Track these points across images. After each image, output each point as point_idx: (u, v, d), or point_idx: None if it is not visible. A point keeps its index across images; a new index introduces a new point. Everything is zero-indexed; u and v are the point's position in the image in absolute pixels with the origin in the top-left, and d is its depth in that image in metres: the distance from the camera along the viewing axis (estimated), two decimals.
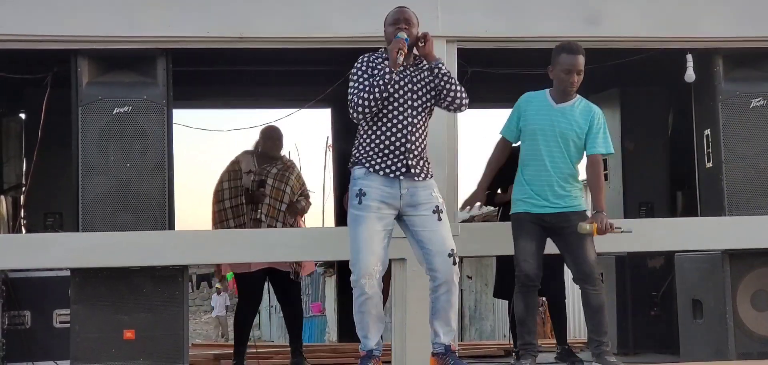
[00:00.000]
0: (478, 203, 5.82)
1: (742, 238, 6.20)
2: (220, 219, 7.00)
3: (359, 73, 5.10)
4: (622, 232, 5.50)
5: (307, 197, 7.37)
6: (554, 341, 7.46)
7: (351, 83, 5.10)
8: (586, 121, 5.46)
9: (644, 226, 6.66)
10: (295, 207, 7.18)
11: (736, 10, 6.33)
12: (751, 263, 6.31)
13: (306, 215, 7.44)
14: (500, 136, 5.64)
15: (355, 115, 5.03)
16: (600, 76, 6.73)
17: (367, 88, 4.99)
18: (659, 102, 7.99)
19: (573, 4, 6.23)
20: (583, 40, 6.02)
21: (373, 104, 4.98)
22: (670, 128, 8.04)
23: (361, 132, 5.13)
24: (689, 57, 6.35)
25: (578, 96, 5.54)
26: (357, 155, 5.13)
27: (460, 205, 5.81)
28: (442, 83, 5.11)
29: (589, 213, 5.52)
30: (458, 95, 5.13)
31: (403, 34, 5.07)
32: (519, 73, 6.83)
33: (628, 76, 7.39)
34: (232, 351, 7.32)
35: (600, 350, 5.39)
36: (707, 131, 6.45)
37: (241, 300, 7.26)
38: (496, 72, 6.88)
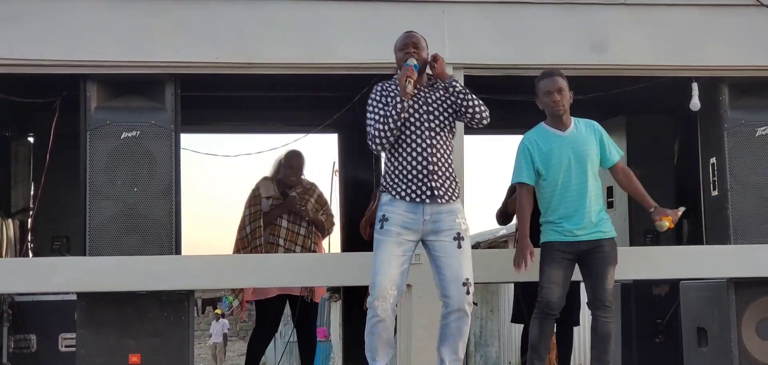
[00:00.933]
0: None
1: (747, 266, 6.20)
2: (243, 245, 7.00)
3: (374, 103, 5.16)
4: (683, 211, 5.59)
5: (328, 214, 7.34)
6: None
7: (368, 115, 5.16)
8: (595, 135, 5.52)
9: (650, 254, 6.68)
10: (319, 221, 7.17)
11: (741, 38, 6.34)
12: (757, 292, 6.30)
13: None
14: (519, 184, 5.55)
15: (373, 147, 5.09)
16: (606, 103, 6.76)
17: (381, 120, 5.04)
18: (665, 129, 8.02)
19: (579, 32, 6.26)
20: (589, 68, 6.09)
21: (389, 134, 5.02)
22: (676, 156, 8.06)
23: (386, 158, 5.18)
24: (694, 85, 6.36)
25: (572, 118, 5.56)
26: (384, 182, 5.19)
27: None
28: (459, 100, 5.14)
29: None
30: (477, 108, 5.17)
31: (412, 60, 5.11)
32: (525, 99, 6.85)
33: (634, 103, 7.42)
34: None
35: None
36: (713, 159, 6.46)
37: (258, 324, 7.24)
38: (503, 98, 6.90)
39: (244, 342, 29.51)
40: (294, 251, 6.98)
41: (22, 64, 5.88)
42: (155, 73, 5.94)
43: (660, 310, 7.66)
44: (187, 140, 6.72)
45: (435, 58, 5.19)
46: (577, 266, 5.53)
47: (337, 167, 9.83)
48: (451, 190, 5.14)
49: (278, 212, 7.02)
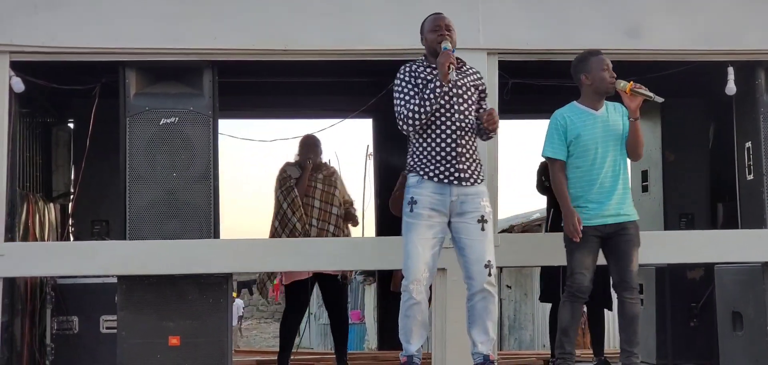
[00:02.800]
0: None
1: None
2: (282, 224, 7.02)
3: (403, 84, 5.18)
4: (651, 97, 5.39)
5: (352, 205, 7.39)
6: (592, 351, 7.48)
7: (396, 96, 5.18)
8: (622, 117, 5.52)
9: (684, 237, 6.70)
10: (352, 215, 7.25)
11: None
12: None
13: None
14: (554, 159, 5.54)
15: (405, 127, 5.13)
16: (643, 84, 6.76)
17: (417, 102, 5.07)
18: (700, 114, 8.00)
19: (613, 17, 6.27)
20: (623, 53, 6.10)
21: (424, 116, 5.07)
22: (711, 140, 8.04)
23: (413, 140, 5.21)
24: (730, 70, 6.36)
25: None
26: (411, 162, 5.22)
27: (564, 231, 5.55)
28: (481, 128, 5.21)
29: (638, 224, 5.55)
30: (485, 132, 5.25)
31: (448, 44, 5.12)
32: (559, 84, 6.87)
33: (669, 87, 7.38)
34: (275, 359, 7.39)
35: (630, 360, 5.45)
36: (748, 144, 6.45)
37: (288, 305, 7.30)
38: (537, 83, 6.92)
39: (278, 323, 29.79)
40: (327, 231, 7.02)
41: (62, 52, 5.98)
42: (193, 60, 6.03)
43: (695, 294, 7.64)
44: (224, 125, 6.82)
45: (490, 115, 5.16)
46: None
47: (370, 150, 9.91)
48: (476, 173, 5.19)
49: (306, 176, 7.05)
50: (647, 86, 5.45)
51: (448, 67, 5.00)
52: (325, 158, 7.41)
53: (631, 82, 5.40)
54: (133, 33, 5.96)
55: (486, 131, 5.20)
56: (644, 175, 8.16)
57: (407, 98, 5.14)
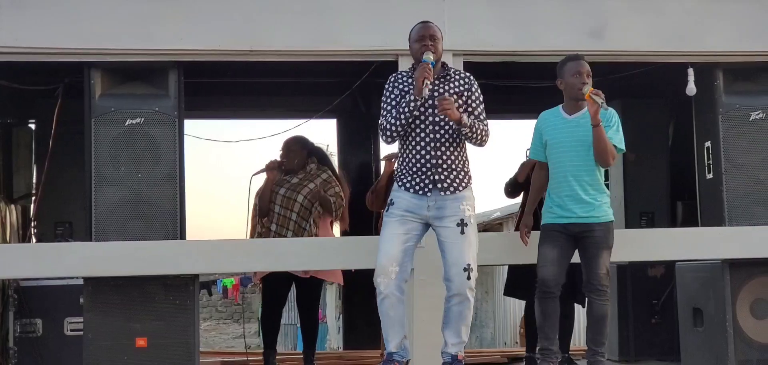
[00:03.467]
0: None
1: (741, 247, 6.30)
2: (251, 234, 7.02)
3: (385, 95, 5.26)
4: (602, 106, 5.40)
5: (335, 194, 7.11)
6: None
7: (381, 106, 5.25)
8: (604, 123, 5.57)
9: (645, 235, 6.79)
10: (323, 198, 7.01)
11: (736, 25, 6.43)
12: (751, 272, 6.40)
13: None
14: (532, 160, 5.77)
15: (383, 138, 5.22)
16: (603, 88, 6.83)
17: (393, 115, 5.13)
18: (660, 114, 8.13)
19: (577, 19, 6.35)
20: (587, 54, 6.12)
21: (399, 129, 5.14)
22: (671, 140, 8.16)
23: (398, 149, 5.31)
24: (690, 71, 6.46)
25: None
26: (396, 171, 5.33)
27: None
28: (466, 135, 5.20)
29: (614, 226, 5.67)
30: (478, 141, 5.26)
31: (430, 56, 5.16)
32: (525, 85, 6.95)
33: (629, 88, 7.51)
34: (240, 360, 7.37)
35: (595, 358, 5.55)
36: (708, 143, 6.55)
37: (265, 301, 7.28)
38: (503, 84, 6.98)
39: (238, 324, 29.59)
40: (284, 236, 6.98)
41: (26, 52, 5.93)
42: (159, 60, 6.00)
43: (656, 291, 7.77)
44: (190, 126, 6.80)
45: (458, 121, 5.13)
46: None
47: (329, 150, 9.92)
48: (457, 181, 5.21)
49: (267, 187, 7.01)
50: (608, 88, 5.53)
51: (423, 81, 5.02)
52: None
53: (591, 88, 5.47)
54: (99, 33, 5.92)
55: (463, 133, 5.19)
56: (605, 174, 8.19)
57: (385, 110, 5.21)
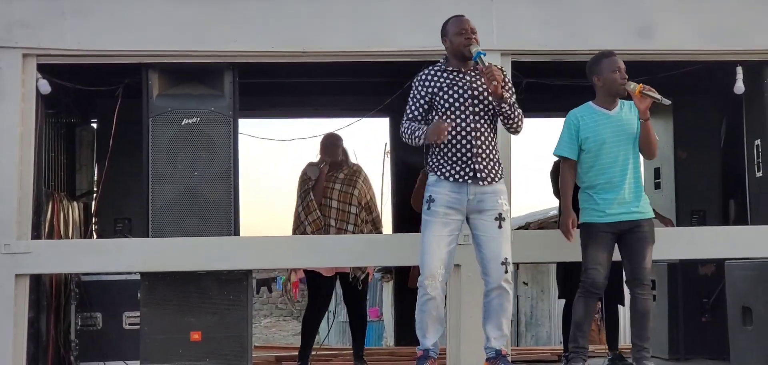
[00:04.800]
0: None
1: None
2: (295, 226, 7.14)
3: (413, 97, 5.35)
4: (659, 100, 5.49)
5: (376, 222, 7.33)
6: (607, 346, 7.59)
7: (407, 107, 5.36)
8: (637, 115, 5.61)
9: (696, 234, 6.81)
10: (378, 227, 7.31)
11: None
12: None
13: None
14: (563, 158, 5.69)
15: (403, 139, 5.34)
16: (653, 85, 6.86)
17: (412, 128, 5.26)
18: (712, 112, 8.09)
19: (625, 18, 6.38)
20: (634, 53, 6.22)
21: (412, 144, 5.28)
22: (723, 138, 8.13)
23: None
24: (739, 69, 6.47)
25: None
26: (430, 162, 5.37)
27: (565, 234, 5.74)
28: (503, 116, 5.31)
29: (656, 221, 5.73)
30: (516, 124, 5.35)
31: (477, 48, 5.24)
32: (573, 84, 6.98)
33: (681, 85, 7.50)
34: (295, 354, 7.50)
35: (640, 354, 5.56)
36: (757, 141, 6.55)
37: (310, 301, 7.41)
38: (551, 83, 7.03)
39: (298, 321, 29.84)
40: (345, 231, 7.12)
41: (88, 55, 6.15)
42: (214, 62, 6.18)
43: (706, 289, 7.73)
44: (244, 125, 6.95)
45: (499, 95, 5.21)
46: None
47: (388, 149, 10.03)
48: (493, 172, 5.30)
49: (321, 179, 7.13)
50: (657, 87, 5.56)
51: (441, 134, 5.11)
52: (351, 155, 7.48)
53: (641, 84, 5.52)
54: (156, 37, 6.11)
55: (503, 114, 5.27)
56: (657, 172, 8.26)
57: (411, 111, 5.32)
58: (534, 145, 37.88)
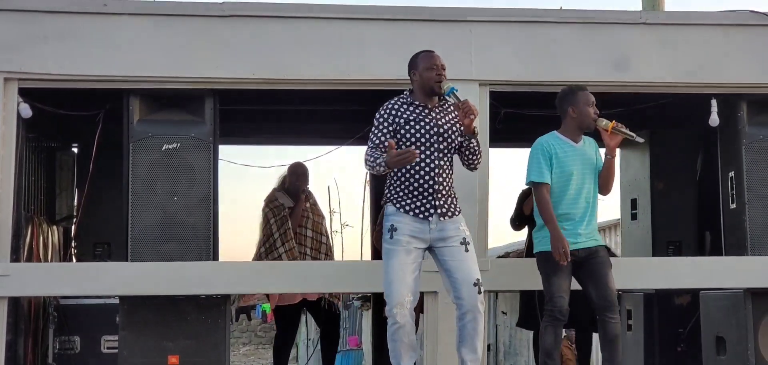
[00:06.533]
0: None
1: (763, 277, 6.37)
2: (268, 251, 7.21)
3: (376, 127, 5.36)
4: (632, 137, 5.61)
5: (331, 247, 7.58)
6: None
7: (371, 133, 5.37)
8: (595, 150, 5.82)
9: (671, 264, 6.89)
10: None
11: (759, 58, 6.53)
12: None
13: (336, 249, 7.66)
14: (538, 184, 5.70)
15: (365, 167, 5.36)
16: (629, 118, 6.95)
17: (372, 157, 5.25)
18: (688, 144, 8.18)
19: (602, 51, 6.46)
20: (611, 85, 6.30)
21: (374, 173, 5.31)
22: (699, 170, 8.22)
23: (391, 172, 5.34)
24: (714, 102, 6.57)
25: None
26: (388, 193, 5.38)
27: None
28: (468, 152, 5.39)
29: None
30: (478, 159, 5.46)
31: (448, 85, 5.30)
32: (550, 114, 7.05)
33: (657, 118, 7.60)
34: None
35: None
36: (731, 173, 6.64)
37: (279, 329, 7.48)
38: (529, 113, 7.10)
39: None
40: (319, 259, 7.19)
41: (69, 80, 6.17)
42: (195, 88, 6.21)
43: (682, 320, 7.81)
44: (224, 151, 6.99)
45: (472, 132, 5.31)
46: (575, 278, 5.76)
47: (368, 177, 10.08)
48: (453, 207, 5.37)
49: (300, 207, 7.20)
50: (635, 120, 5.66)
51: (403, 160, 5.10)
52: (315, 186, 7.62)
53: (613, 121, 5.61)
54: (138, 62, 6.14)
55: (469, 149, 5.35)
56: (633, 203, 8.34)
57: (372, 143, 5.31)
58: (511, 174, 38.07)
